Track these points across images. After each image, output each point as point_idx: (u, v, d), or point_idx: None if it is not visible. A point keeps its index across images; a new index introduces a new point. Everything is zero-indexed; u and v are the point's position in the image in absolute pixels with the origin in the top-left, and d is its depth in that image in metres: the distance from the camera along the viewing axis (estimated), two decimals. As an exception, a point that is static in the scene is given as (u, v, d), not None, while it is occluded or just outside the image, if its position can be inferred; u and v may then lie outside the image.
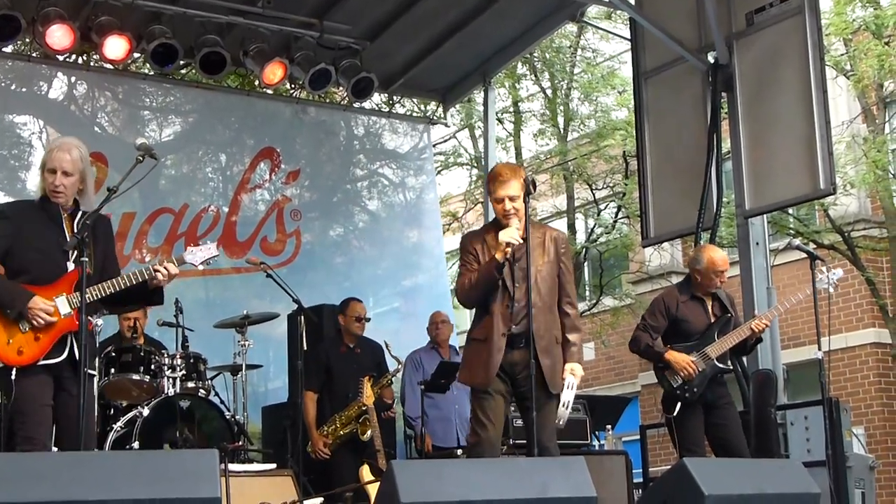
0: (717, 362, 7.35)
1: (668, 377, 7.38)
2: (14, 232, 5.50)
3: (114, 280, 5.52)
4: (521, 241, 5.93)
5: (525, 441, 6.36)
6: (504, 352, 5.99)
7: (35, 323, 5.34)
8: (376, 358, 8.85)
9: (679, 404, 7.31)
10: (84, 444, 5.24)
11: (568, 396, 5.99)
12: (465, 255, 6.20)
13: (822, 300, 7.40)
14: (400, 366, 8.69)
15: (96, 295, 5.45)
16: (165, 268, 5.56)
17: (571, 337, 6.16)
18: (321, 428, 8.52)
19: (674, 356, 7.40)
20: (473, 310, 6.27)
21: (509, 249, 5.88)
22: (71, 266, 5.48)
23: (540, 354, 5.93)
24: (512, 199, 5.99)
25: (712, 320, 7.51)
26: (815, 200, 11.12)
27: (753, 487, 5.34)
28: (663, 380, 7.42)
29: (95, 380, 6.19)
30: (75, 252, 5.44)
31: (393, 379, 8.72)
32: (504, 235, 5.90)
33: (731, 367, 7.65)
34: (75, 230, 5.51)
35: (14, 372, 5.29)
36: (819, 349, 7.01)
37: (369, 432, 8.18)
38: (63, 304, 5.40)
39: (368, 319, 9.02)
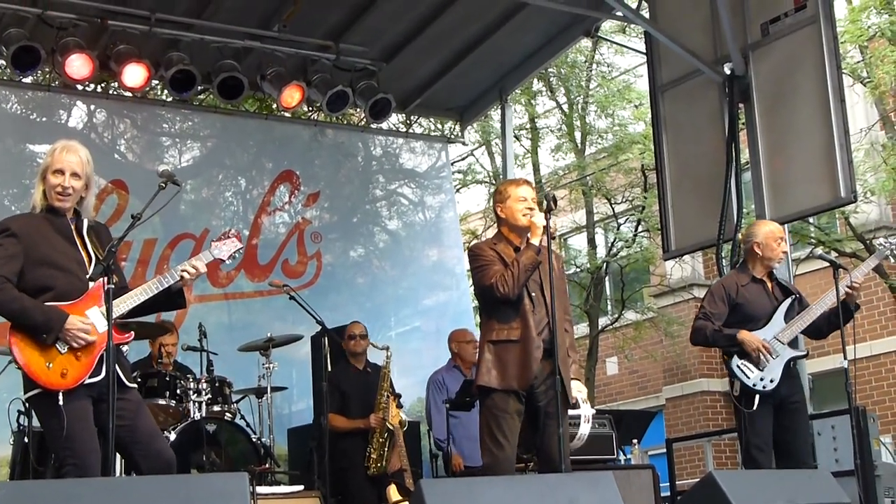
0: (789, 348, 6.97)
1: (742, 369, 6.90)
2: (25, 249, 5.09)
3: (142, 288, 5.23)
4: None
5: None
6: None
7: (75, 344, 5.01)
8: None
9: (757, 398, 6.85)
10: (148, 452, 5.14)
11: (588, 411, 5.93)
12: (483, 257, 6.00)
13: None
14: (386, 349, 8.63)
15: (128, 305, 5.17)
16: (194, 266, 5.29)
17: (572, 354, 6.04)
18: None
19: (747, 335, 6.89)
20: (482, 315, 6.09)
21: (540, 232, 5.78)
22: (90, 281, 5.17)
23: (560, 366, 5.70)
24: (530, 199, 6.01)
25: (775, 303, 7.10)
26: (835, 209, 11.11)
27: (784, 499, 5.34)
28: (734, 374, 6.92)
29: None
30: (93, 265, 5.16)
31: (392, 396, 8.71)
32: (538, 218, 5.81)
33: (805, 353, 7.22)
34: (86, 242, 5.23)
35: (61, 396, 4.92)
36: (844, 358, 6.92)
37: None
38: (99, 320, 5.08)
39: (365, 336, 8.99)
